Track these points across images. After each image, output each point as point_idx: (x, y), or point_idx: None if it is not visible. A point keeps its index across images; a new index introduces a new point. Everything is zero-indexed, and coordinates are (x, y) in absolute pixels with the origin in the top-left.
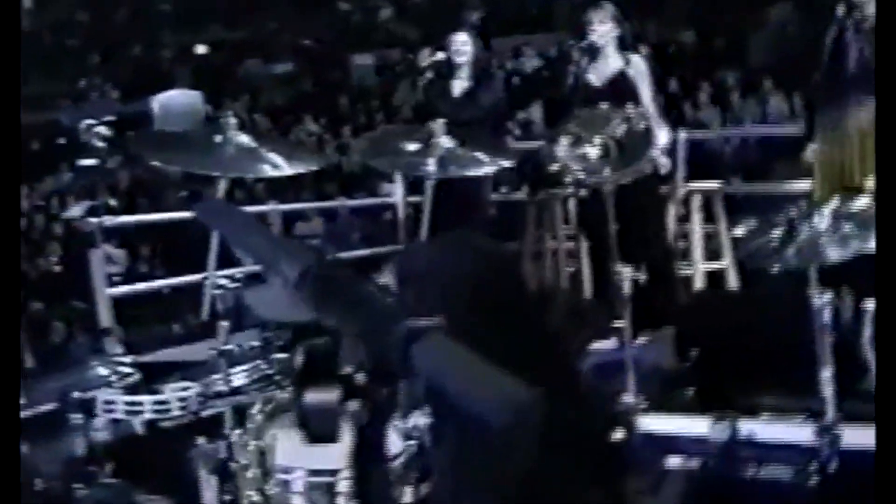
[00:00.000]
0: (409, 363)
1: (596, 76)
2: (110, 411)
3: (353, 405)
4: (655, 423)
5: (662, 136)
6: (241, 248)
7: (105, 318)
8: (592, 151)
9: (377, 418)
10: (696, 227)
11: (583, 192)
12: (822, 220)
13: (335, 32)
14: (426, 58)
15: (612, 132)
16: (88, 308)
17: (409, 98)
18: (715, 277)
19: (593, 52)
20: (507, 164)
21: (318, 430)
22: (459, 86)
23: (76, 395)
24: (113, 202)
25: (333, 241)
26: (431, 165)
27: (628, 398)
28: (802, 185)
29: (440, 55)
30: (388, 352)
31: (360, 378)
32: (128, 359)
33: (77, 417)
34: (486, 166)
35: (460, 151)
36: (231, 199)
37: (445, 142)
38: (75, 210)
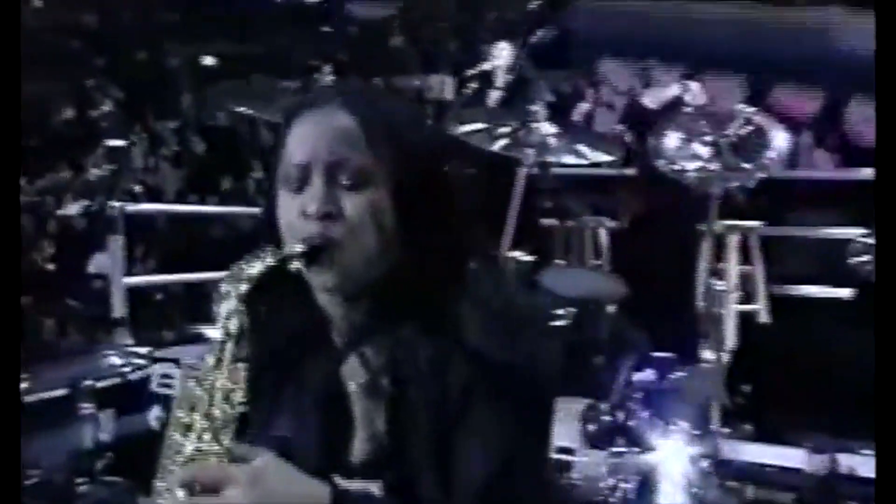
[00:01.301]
0: None
1: (650, 99)
2: (166, 385)
3: None
4: (740, 451)
5: (780, 138)
6: None
7: (119, 308)
8: (704, 150)
9: None
10: (733, 266)
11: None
12: None
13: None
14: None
15: (727, 131)
16: (82, 306)
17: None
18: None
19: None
20: (608, 157)
21: None
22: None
23: (87, 383)
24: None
25: None
26: (529, 151)
27: (683, 426)
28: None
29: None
30: None
31: None
32: (144, 349)
33: (86, 407)
34: (585, 157)
35: (559, 140)
36: None
37: (546, 127)
38: (72, 208)
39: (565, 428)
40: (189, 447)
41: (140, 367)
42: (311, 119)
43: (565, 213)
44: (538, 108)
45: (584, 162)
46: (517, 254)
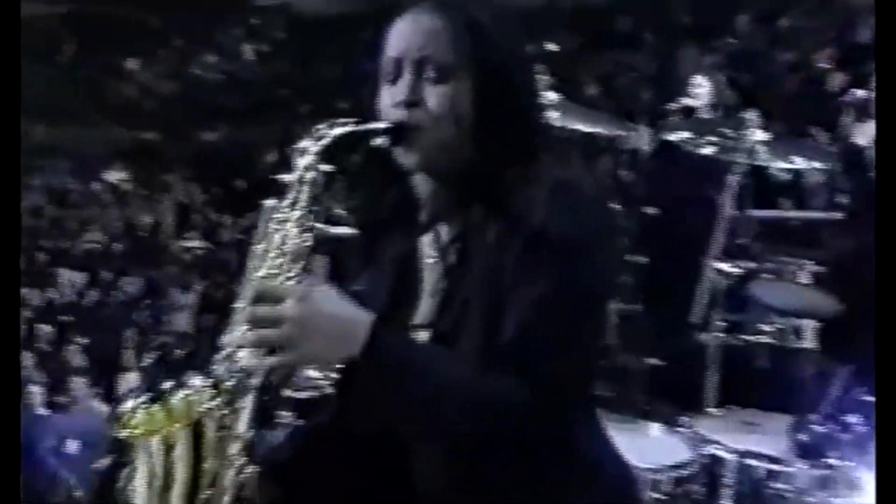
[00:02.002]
0: None
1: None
2: (315, 388)
3: None
4: None
5: None
6: None
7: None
8: None
9: None
10: None
11: None
12: None
13: None
14: None
15: None
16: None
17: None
18: None
19: None
20: (820, 165)
21: None
22: None
23: None
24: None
25: None
26: (741, 155)
27: None
28: None
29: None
30: None
31: None
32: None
33: None
34: (796, 164)
35: (771, 147)
36: None
37: (759, 135)
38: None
39: (773, 439)
40: (263, 271)
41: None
42: (407, 17)
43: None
44: (751, 116)
45: (796, 167)
46: (724, 266)
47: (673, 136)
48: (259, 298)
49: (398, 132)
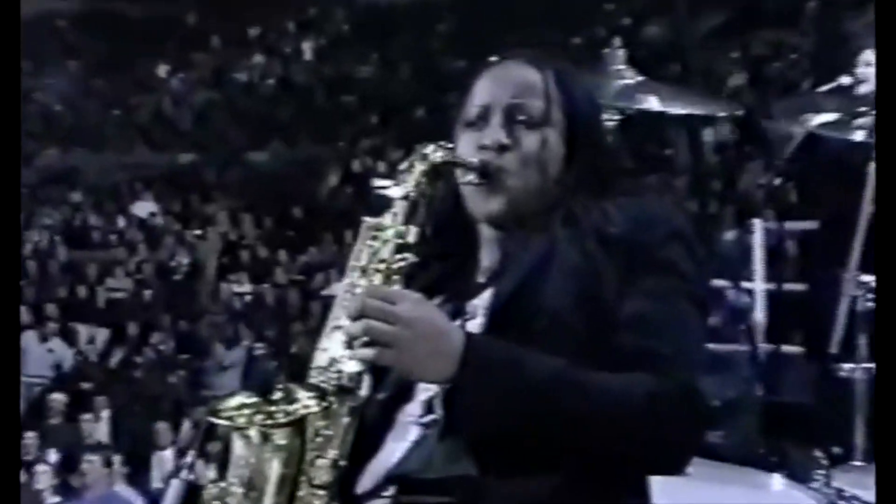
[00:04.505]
0: None
1: None
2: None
3: None
4: None
5: None
6: None
7: None
8: None
9: None
10: None
11: None
12: None
13: None
14: None
15: None
16: None
17: None
18: None
19: None
20: None
21: None
22: None
23: None
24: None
25: None
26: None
27: None
28: None
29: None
30: None
31: None
32: None
33: None
34: None
35: None
36: None
37: None
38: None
39: None
40: (362, 282)
41: None
42: (496, 70)
43: None
44: None
45: None
46: (867, 278)
47: (821, 119)
48: (372, 296)
49: (484, 174)
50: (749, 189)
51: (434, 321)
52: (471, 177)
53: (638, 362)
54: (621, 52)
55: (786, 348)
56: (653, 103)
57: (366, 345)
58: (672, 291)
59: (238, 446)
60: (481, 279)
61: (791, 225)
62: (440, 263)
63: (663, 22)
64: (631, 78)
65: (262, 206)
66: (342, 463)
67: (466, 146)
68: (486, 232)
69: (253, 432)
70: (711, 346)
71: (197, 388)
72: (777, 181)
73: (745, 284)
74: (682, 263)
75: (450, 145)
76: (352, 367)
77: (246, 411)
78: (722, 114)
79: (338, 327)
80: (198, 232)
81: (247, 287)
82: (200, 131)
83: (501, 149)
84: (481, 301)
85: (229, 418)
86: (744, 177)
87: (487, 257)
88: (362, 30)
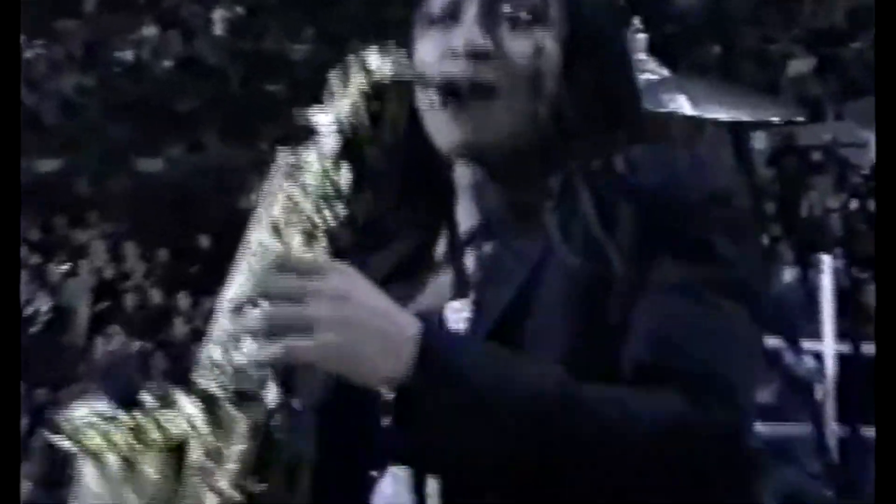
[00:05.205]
0: None
1: None
2: None
3: None
4: None
5: None
6: None
7: None
8: None
9: None
10: None
11: None
12: None
13: None
14: None
15: None
16: None
17: None
18: None
19: None
20: None
21: None
22: None
23: None
24: None
25: None
26: None
27: None
28: None
29: None
30: None
31: None
32: None
33: None
34: None
35: None
36: None
37: None
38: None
39: None
40: (273, 244)
41: None
42: None
43: None
44: None
45: None
46: None
47: None
48: (282, 269)
49: (452, 92)
50: (814, 215)
51: (371, 302)
52: (433, 96)
53: (659, 385)
54: (641, 38)
55: (865, 431)
56: (682, 105)
57: (273, 334)
58: (708, 282)
59: (88, 478)
60: (457, 261)
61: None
62: (398, 228)
63: None
64: (653, 71)
65: (153, 232)
66: None
67: (429, 52)
68: (462, 178)
69: (111, 458)
70: (764, 426)
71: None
72: (852, 205)
73: (810, 344)
74: (723, 243)
75: (403, 51)
76: (256, 364)
77: (101, 427)
78: (776, 119)
79: (238, 307)
80: (64, 267)
81: (134, 344)
82: (69, 128)
83: (477, 55)
84: (461, 307)
85: (76, 437)
86: (807, 198)
87: (466, 218)
88: None
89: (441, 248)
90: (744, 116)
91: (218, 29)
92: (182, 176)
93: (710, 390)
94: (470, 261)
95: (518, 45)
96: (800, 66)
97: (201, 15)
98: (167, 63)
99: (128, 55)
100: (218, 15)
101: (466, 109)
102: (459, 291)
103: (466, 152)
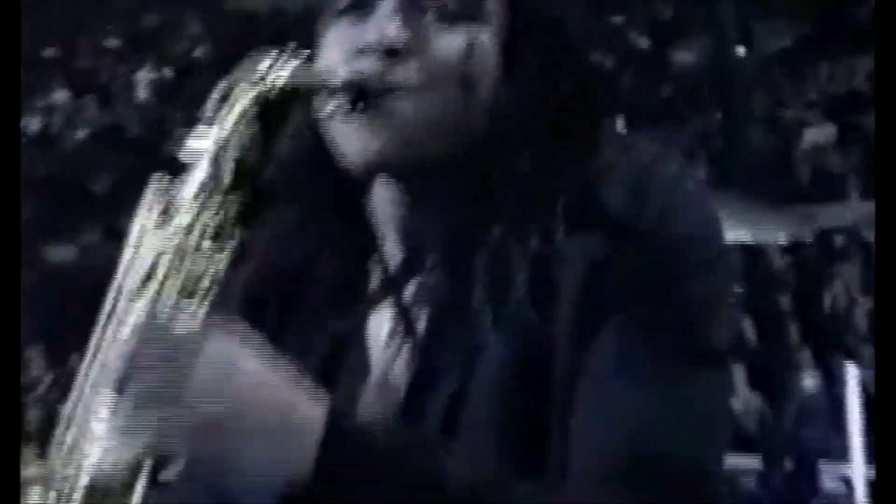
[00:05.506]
0: None
1: None
2: None
3: None
4: None
5: None
6: None
7: None
8: None
9: None
10: None
11: None
12: None
13: None
14: None
15: None
16: None
17: None
18: None
19: None
20: None
21: None
22: None
23: None
24: None
25: None
26: None
27: None
28: None
29: None
30: None
31: None
32: None
33: None
34: None
35: None
36: None
37: None
38: None
39: None
40: (142, 300)
41: None
42: None
43: None
44: None
45: None
46: None
47: None
48: (150, 339)
49: (360, 97)
50: (837, 312)
51: (259, 378)
52: (338, 102)
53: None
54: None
55: None
56: None
57: (135, 428)
58: (664, 350)
59: None
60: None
61: None
62: (304, 272)
63: (697, 44)
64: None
65: (64, 334)
66: None
67: (336, 49)
68: (382, 203)
69: None
70: None
71: None
72: None
73: (835, 467)
74: (689, 279)
75: (305, 53)
76: (120, 450)
77: None
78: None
79: (99, 383)
80: None
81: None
82: None
83: (393, 52)
84: (393, 364)
85: None
86: (829, 290)
87: (395, 250)
88: (229, 49)
89: (375, 280)
90: (748, 239)
91: (142, 93)
92: (98, 267)
93: (681, 481)
94: (408, 295)
95: (445, 42)
96: (816, 134)
97: (123, 77)
98: (81, 133)
99: (34, 124)
100: (142, 76)
101: (381, 116)
102: (397, 331)
103: (384, 167)
